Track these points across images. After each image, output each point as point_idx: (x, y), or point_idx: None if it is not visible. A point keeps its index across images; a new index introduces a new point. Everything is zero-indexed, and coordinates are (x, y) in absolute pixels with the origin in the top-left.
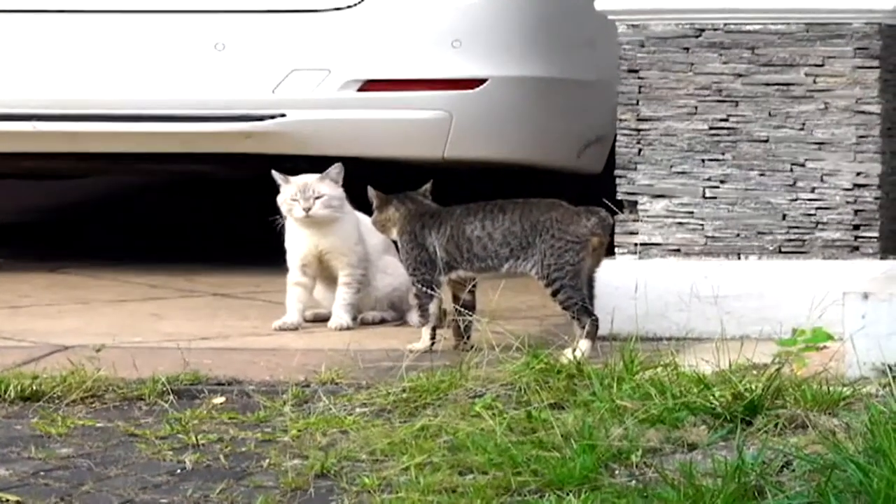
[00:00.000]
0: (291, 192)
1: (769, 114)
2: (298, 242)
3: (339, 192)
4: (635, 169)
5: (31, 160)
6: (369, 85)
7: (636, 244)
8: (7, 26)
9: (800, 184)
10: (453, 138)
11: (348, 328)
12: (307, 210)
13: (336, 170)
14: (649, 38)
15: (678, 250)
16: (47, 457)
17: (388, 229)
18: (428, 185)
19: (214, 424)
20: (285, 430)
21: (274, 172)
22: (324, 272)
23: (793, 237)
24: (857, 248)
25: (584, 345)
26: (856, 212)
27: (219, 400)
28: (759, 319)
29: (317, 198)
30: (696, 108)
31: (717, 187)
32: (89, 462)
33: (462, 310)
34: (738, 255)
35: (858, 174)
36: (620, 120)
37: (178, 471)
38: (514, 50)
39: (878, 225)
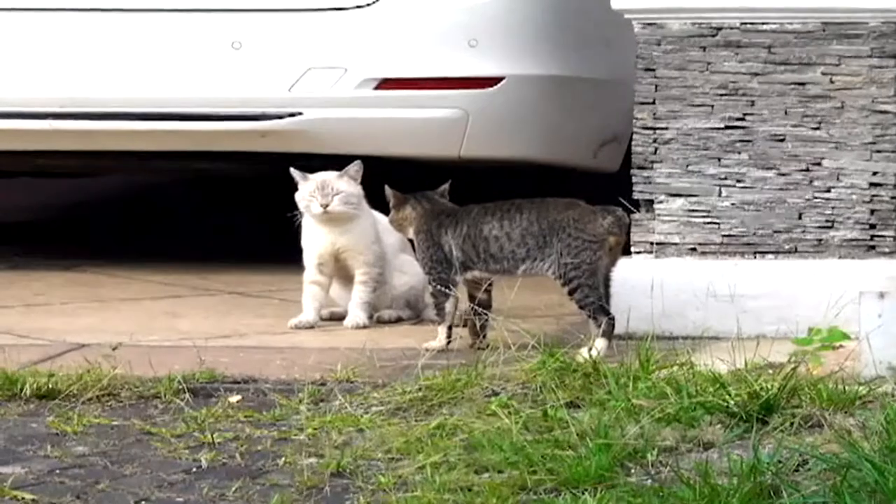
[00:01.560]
0: (310, 189)
1: (785, 113)
2: (315, 240)
3: (358, 189)
4: (652, 168)
5: (46, 158)
6: (386, 83)
7: (652, 243)
8: (23, 25)
9: (816, 183)
10: (469, 137)
11: (364, 327)
12: (325, 206)
13: (355, 167)
14: (666, 36)
15: (694, 249)
16: (63, 455)
17: (404, 228)
18: (446, 186)
19: (230, 423)
20: (301, 428)
21: (292, 170)
22: (340, 271)
23: (809, 236)
24: (873, 248)
25: (600, 344)
26: (872, 211)
27: (235, 398)
28: (775, 318)
29: (335, 195)
30: (712, 106)
31: (733, 186)
32: (105, 460)
33: (478, 308)
34: (755, 253)
35: (875, 173)
36: (637, 119)
37: (194, 469)
38: (531, 48)
39: (895, 224)
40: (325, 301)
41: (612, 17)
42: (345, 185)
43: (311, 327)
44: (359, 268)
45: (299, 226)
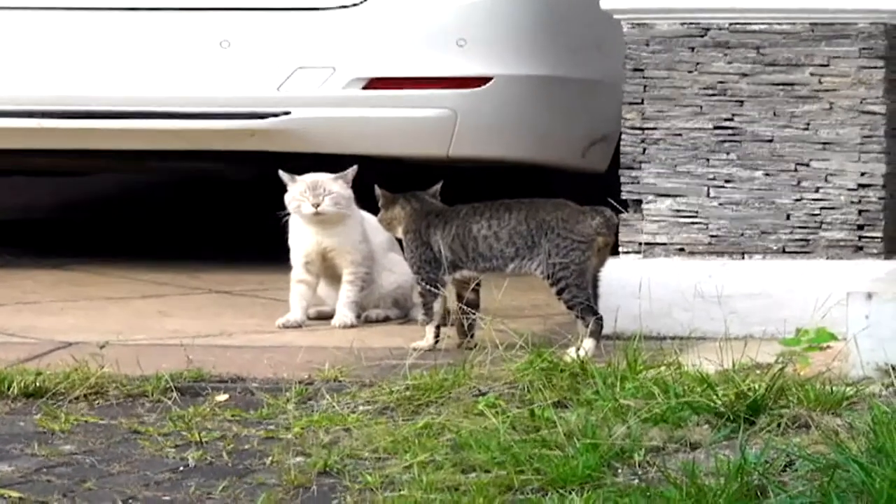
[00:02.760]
0: (301, 189)
1: (774, 113)
2: (302, 240)
3: (349, 192)
4: (640, 168)
5: (36, 157)
6: (374, 83)
7: (640, 243)
8: (13, 23)
9: (804, 184)
10: (458, 137)
11: (352, 326)
12: (317, 206)
13: (352, 172)
14: (654, 37)
15: (682, 249)
16: (50, 453)
17: (393, 227)
18: (437, 186)
19: (217, 422)
20: (288, 427)
21: (281, 172)
22: (327, 270)
23: (797, 237)
24: (861, 249)
25: (587, 344)
26: (860, 212)
27: (222, 397)
28: (762, 319)
29: (327, 195)
30: (701, 107)
31: (722, 187)
32: (92, 459)
33: (466, 308)
34: (743, 254)
35: (863, 174)
36: (625, 119)
37: (181, 468)
38: (519, 48)
39: (882, 225)
40: (313, 300)
41: (600, 17)
42: (337, 187)
43: (299, 326)
44: (346, 267)
45: (286, 225)
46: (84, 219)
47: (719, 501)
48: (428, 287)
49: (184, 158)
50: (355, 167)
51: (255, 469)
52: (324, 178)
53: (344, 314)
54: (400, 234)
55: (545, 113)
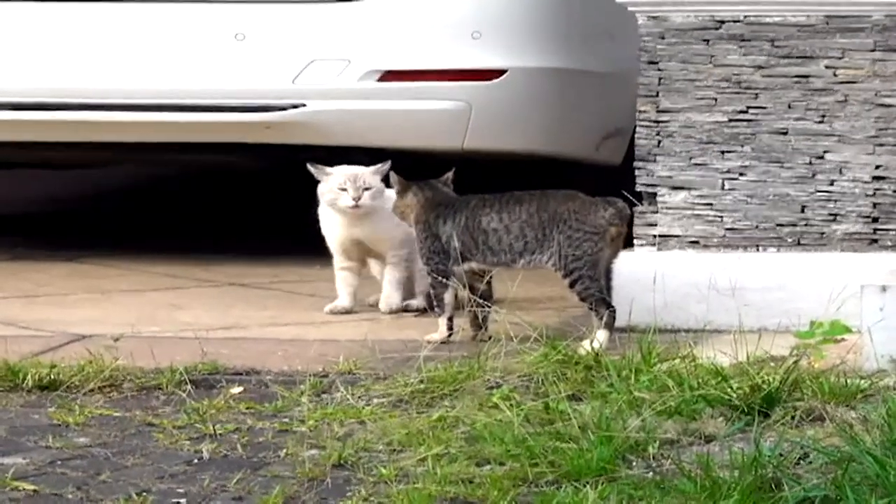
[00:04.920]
0: (340, 182)
1: (788, 106)
2: (335, 230)
3: (382, 185)
4: (654, 161)
5: (49, 150)
6: (389, 75)
7: (655, 236)
8: (26, 14)
9: (819, 176)
10: (472, 129)
11: (399, 310)
12: (357, 199)
13: (387, 166)
14: (669, 29)
15: (697, 242)
16: (64, 446)
17: (406, 216)
18: (449, 174)
19: (232, 414)
20: (303, 420)
21: (309, 165)
22: (370, 252)
23: (811, 229)
24: (875, 241)
25: (601, 335)
26: (874, 204)
27: (236, 390)
28: (777, 312)
29: (366, 189)
30: (715, 99)
31: (736, 179)
32: (106, 451)
33: (479, 300)
34: (757, 247)
35: (877, 167)
36: (640, 112)
37: (196, 460)
38: (534, 41)
39: None
40: (358, 283)
41: (615, 9)
42: (375, 181)
43: (348, 312)
44: (386, 252)
45: (301, 216)
46: (96, 211)
47: (734, 494)
48: (437, 278)
49: (198, 151)
50: (389, 162)
51: (269, 462)
52: (363, 172)
53: (391, 295)
54: (411, 222)
55: (560, 106)
